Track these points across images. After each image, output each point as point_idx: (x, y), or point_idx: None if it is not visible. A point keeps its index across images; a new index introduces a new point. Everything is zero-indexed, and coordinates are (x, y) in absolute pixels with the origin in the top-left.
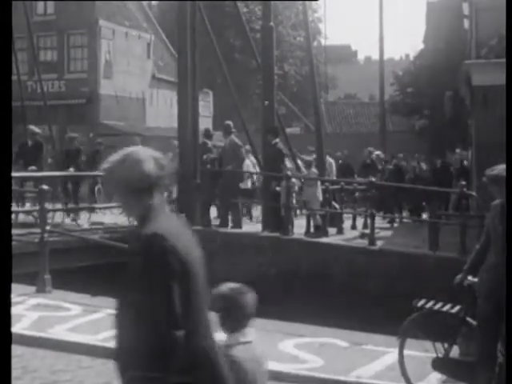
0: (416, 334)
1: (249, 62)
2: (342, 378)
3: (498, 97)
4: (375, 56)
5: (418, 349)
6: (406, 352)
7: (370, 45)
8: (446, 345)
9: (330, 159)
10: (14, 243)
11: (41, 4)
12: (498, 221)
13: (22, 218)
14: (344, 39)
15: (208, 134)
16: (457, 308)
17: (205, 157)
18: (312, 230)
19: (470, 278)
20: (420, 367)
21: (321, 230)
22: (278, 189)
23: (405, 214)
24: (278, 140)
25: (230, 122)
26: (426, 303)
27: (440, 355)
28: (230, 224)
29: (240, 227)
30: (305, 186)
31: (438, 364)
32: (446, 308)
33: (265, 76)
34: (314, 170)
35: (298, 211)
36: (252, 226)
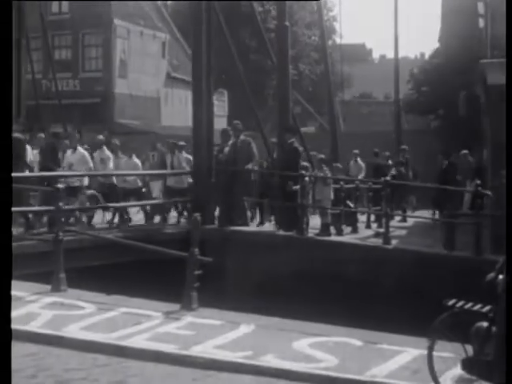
0: (446, 335)
1: (264, 61)
2: (357, 378)
3: None
4: (390, 55)
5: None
6: (435, 353)
7: (384, 43)
8: (476, 345)
9: (361, 162)
10: (29, 242)
11: (56, 3)
12: None
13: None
14: (359, 38)
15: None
16: (487, 308)
17: (220, 155)
18: (320, 228)
19: (500, 276)
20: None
21: (327, 229)
22: (294, 188)
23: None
24: (294, 139)
25: (238, 122)
26: (457, 303)
27: (470, 356)
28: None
29: (247, 225)
30: (318, 185)
31: (468, 365)
32: (476, 307)
33: (280, 75)
34: (325, 169)
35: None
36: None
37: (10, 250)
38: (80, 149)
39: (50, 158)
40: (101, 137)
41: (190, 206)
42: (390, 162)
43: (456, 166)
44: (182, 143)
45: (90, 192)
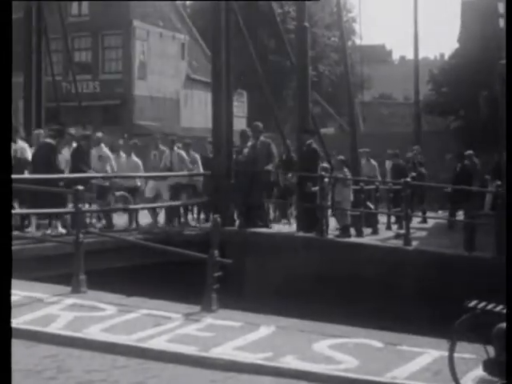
0: (467, 336)
1: (283, 62)
2: (377, 379)
3: None
4: (410, 55)
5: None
6: (456, 355)
7: (404, 44)
8: (497, 347)
9: (373, 161)
10: (49, 244)
11: (75, 5)
12: None
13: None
14: (378, 39)
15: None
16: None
17: (240, 157)
18: (339, 229)
19: None
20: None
21: (347, 231)
22: (313, 189)
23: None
24: (312, 140)
25: (258, 123)
26: (478, 304)
27: (491, 357)
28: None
29: (267, 227)
30: (337, 186)
31: (490, 366)
32: (497, 309)
33: (299, 76)
34: (345, 169)
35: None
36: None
37: (10, 248)
38: (105, 150)
39: (81, 160)
40: (100, 134)
41: (206, 207)
42: (420, 157)
43: (469, 167)
44: (188, 141)
45: (119, 193)
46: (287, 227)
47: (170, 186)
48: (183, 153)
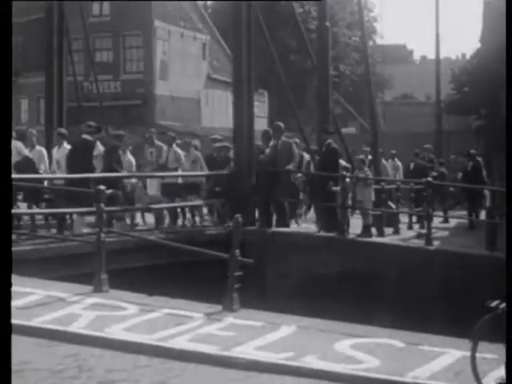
0: (488, 336)
1: (304, 62)
2: (399, 379)
3: None
4: (431, 55)
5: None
6: (478, 355)
7: (425, 44)
8: None
9: (398, 162)
10: (71, 244)
11: (96, 5)
12: None
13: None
14: (400, 38)
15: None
16: None
17: (261, 156)
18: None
19: None
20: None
21: (368, 230)
22: (334, 189)
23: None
24: (331, 140)
25: (280, 123)
26: (500, 304)
27: None
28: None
29: (288, 226)
30: (359, 185)
31: None
32: None
33: (320, 76)
34: (366, 169)
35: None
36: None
37: (9, 246)
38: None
39: (114, 160)
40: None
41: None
42: (432, 156)
43: (481, 166)
44: (188, 140)
45: (152, 193)
46: (304, 226)
47: (163, 185)
48: (180, 151)
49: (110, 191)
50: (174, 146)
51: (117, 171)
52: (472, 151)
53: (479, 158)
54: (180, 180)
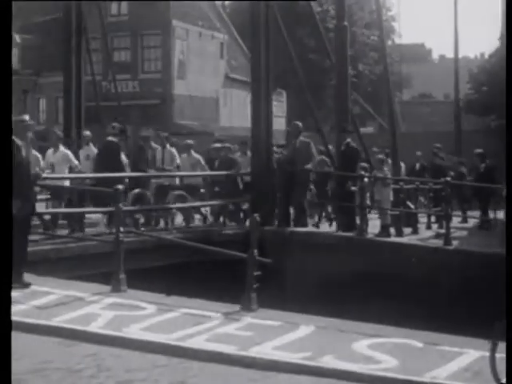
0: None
1: (322, 61)
2: (417, 379)
3: None
4: (450, 54)
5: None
6: (498, 355)
7: (444, 43)
8: None
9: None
10: (90, 243)
11: (115, 4)
12: None
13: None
14: (418, 38)
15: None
16: None
17: (279, 156)
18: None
19: None
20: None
21: (387, 230)
22: (353, 188)
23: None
24: (349, 139)
25: (298, 123)
26: None
27: None
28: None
29: (306, 226)
30: (377, 185)
31: None
32: None
33: (338, 76)
34: (385, 169)
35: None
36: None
37: (10, 247)
38: (93, 149)
39: (141, 160)
40: (87, 133)
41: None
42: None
43: (495, 166)
44: (189, 142)
45: (177, 192)
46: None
47: (157, 187)
48: (175, 151)
49: (137, 191)
50: (168, 146)
51: (144, 171)
52: (478, 151)
53: (487, 160)
54: (177, 181)
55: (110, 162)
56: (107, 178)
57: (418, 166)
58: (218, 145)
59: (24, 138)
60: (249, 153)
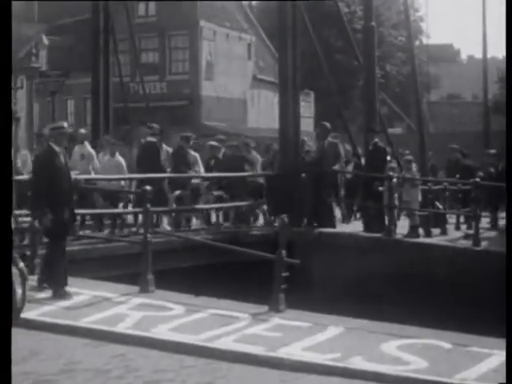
0: None
1: (350, 62)
2: (446, 380)
3: None
4: (478, 55)
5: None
6: None
7: (472, 43)
8: None
9: None
10: (118, 244)
11: (142, 5)
12: None
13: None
14: (446, 38)
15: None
16: None
17: (307, 157)
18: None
19: None
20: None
21: (416, 231)
22: (380, 189)
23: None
24: (377, 139)
25: (327, 123)
26: None
27: None
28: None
29: (334, 227)
30: (406, 186)
31: None
32: None
33: (366, 76)
34: (413, 170)
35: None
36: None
37: (10, 247)
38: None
39: (182, 161)
40: (82, 130)
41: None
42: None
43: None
44: (188, 133)
45: (217, 193)
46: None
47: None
48: (170, 150)
49: (178, 192)
50: (164, 145)
51: (184, 172)
52: (493, 151)
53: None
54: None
55: (149, 162)
56: (149, 178)
57: (429, 165)
58: (213, 143)
59: (61, 145)
60: (192, 152)
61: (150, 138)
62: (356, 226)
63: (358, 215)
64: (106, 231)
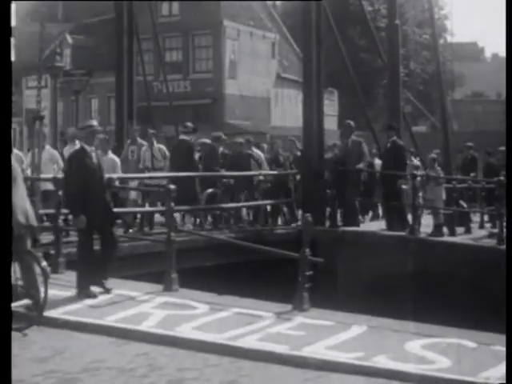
0: None
1: (374, 60)
2: (471, 379)
3: None
4: (502, 53)
5: None
6: None
7: (497, 41)
8: None
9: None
10: (141, 243)
11: (166, 5)
12: None
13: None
14: (471, 36)
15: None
16: None
17: (331, 155)
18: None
19: None
20: None
21: (440, 230)
22: (403, 187)
23: None
24: (395, 137)
25: (350, 122)
26: None
27: None
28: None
29: (358, 225)
30: (430, 184)
31: None
32: None
33: (390, 74)
34: (438, 168)
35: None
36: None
37: (10, 247)
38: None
39: (213, 160)
40: (73, 129)
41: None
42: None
43: None
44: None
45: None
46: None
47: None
48: (165, 149)
49: (210, 190)
50: (155, 143)
51: (216, 171)
52: (502, 148)
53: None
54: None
55: (183, 161)
56: (181, 177)
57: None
58: (205, 140)
59: (92, 144)
60: (256, 150)
61: (184, 137)
62: (379, 225)
63: (370, 214)
64: (135, 230)
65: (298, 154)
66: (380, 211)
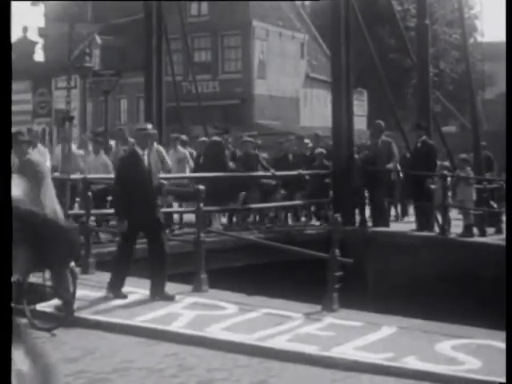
0: None
1: (403, 60)
2: (500, 381)
3: None
4: None
5: None
6: None
7: None
8: None
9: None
10: (170, 243)
11: (195, 5)
12: None
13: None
14: (501, 36)
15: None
16: None
17: (361, 155)
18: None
19: None
20: None
21: (470, 230)
22: (432, 187)
23: None
24: (425, 136)
25: (381, 122)
26: None
27: None
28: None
29: (388, 226)
30: (460, 185)
31: None
32: None
33: (419, 74)
34: (468, 168)
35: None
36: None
37: (10, 246)
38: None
39: (249, 160)
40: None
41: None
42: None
43: None
44: (182, 137)
45: (284, 192)
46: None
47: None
48: (163, 150)
49: (243, 193)
50: (155, 144)
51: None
52: None
53: None
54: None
55: (214, 161)
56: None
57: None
58: (204, 139)
59: (145, 147)
60: (189, 148)
61: (215, 138)
62: (408, 225)
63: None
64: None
65: (320, 150)
66: (399, 211)
